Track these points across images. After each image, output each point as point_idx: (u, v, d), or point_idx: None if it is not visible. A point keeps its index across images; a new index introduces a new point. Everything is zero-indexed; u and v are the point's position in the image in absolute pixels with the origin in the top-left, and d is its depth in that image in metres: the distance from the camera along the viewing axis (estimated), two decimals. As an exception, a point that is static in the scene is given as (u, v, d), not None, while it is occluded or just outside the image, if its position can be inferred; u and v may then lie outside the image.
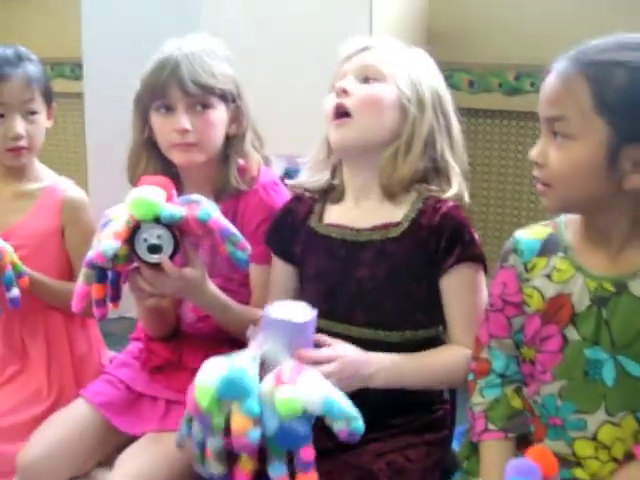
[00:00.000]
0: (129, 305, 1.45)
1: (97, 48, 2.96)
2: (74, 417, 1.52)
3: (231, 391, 1.11)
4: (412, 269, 1.18)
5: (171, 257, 1.30)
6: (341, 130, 1.35)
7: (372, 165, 1.37)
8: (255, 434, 1.09)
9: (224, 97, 1.53)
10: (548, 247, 1.21)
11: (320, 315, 1.23)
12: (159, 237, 1.29)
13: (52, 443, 1.47)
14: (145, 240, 1.29)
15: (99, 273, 1.31)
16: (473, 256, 1.33)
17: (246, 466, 1.10)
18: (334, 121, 1.36)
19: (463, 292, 1.34)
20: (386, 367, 1.28)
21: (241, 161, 1.58)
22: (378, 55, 1.37)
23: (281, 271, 1.48)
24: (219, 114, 1.53)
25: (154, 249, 1.29)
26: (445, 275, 1.33)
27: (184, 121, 1.49)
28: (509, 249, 1.25)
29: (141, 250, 1.29)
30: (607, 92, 1.06)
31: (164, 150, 1.55)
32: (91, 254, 1.28)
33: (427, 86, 1.38)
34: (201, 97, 1.50)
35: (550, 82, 1.12)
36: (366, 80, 1.36)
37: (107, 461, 1.51)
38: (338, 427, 1.10)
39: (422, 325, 1.35)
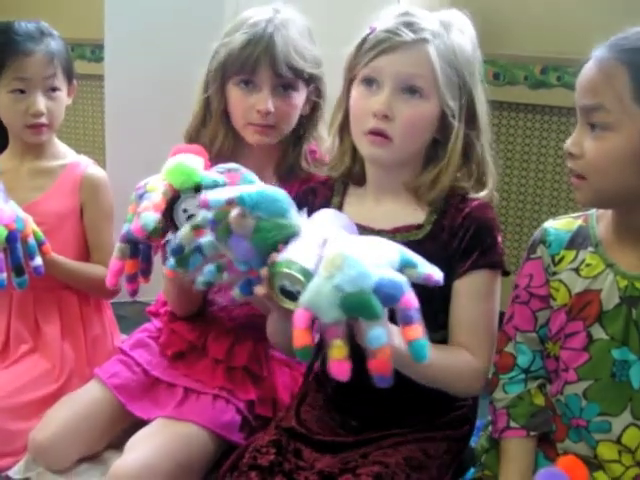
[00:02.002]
0: (143, 289, 1.43)
1: (120, 30, 2.94)
2: (88, 397, 1.51)
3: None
4: None
5: None
6: (377, 150, 1.25)
7: (400, 169, 1.29)
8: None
9: (309, 80, 1.50)
10: (577, 240, 1.18)
11: None
12: (199, 207, 1.22)
13: (65, 422, 1.46)
14: (185, 211, 1.22)
15: (132, 248, 1.26)
16: (490, 263, 1.25)
17: (340, 353, 0.94)
18: (370, 136, 1.24)
19: (473, 299, 1.24)
20: None
21: (313, 145, 1.54)
22: (426, 59, 1.22)
23: None
24: (301, 97, 1.51)
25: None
26: (459, 278, 1.24)
27: (269, 103, 1.45)
28: (537, 240, 1.22)
29: (180, 221, 1.22)
30: None
31: (239, 126, 1.51)
32: (129, 227, 1.22)
33: (471, 83, 1.27)
34: (289, 79, 1.47)
35: (587, 70, 1.09)
36: (407, 90, 1.22)
37: (118, 443, 1.50)
38: (423, 272, 1.00)
39: (442, 326, 1.27)
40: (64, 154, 1.75)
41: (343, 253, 0.97)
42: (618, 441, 1.14)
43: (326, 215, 1.14)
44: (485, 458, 1.27)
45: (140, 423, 1.46)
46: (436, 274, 1.02)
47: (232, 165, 1.26)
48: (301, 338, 0.94)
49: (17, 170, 1.70)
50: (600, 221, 1.18)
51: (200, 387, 1.50)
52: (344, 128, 1.33)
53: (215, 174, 1.23)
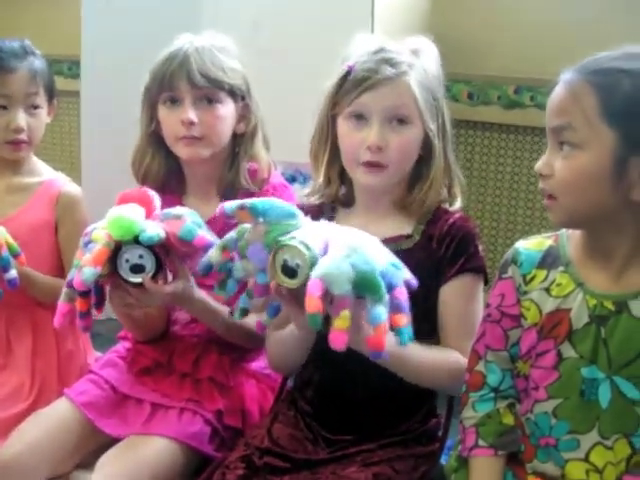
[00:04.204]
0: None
1: (96, 46, 2.95)
2: (56, 416, 1.49)
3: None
4: (423, 280, 1.15)
5: (155, 274, 1.30)
6: (374, 178, 1.33)
7: (391, 189, 1.37)
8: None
9: (232, 93, 1.53)
10: (548, 260, 1.19)
11: None
12: (141, 257, 1.29)
13: (32, 442, 1.44)
14: (127, 260, 1.29)
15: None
16: (475, 268, 1.34)
17: (344, 324, 1.03)
18: (365, 167, 1.32)
19: (460, 301, 1.34)
20: None
21: (253, 163, 1.56)
22: (407, 90, 1.31)
23: None
24: (226, 109, 1.52)
25: (137, 269, 1.29)
26: (446, 283, 1.33)
27: (191, 113, 1.48)
28: (508, 260, 1.23)
29: (123, 270, 1.30)
30: (613, 99, 1.05)
31: (170, 144, 1.54)
32: (73, 279, 1.28)
33: (442, 103, 1.36)
34: (209, 90, 1.50)
35: (557, 92, 1.11)
36: (394, 120, 1.31)
37: (86, 463, 1.48)
38: (404, 275, 1.11)
39: (426, 334, 1.32)
40: (41, 171, 1.76)
41: (357, 239, 1.09)
42: (586, 459, 1.14)
43: (330, 223, 1.21)
44: (454, 477, 1.27)
45: (109, 444, 1.45)
46: (413, 280, 1.13)
47: (175, 211, 1.34)
48: (314, 305, 1.02)
49: None
50: (570, 240, 1.19)
51: (167, 401, 1.50)
52: (330, 158, 1.39)
53: (155, 226, 1.29)
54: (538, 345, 1.18)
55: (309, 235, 1.10)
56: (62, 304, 1.32)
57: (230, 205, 1.17)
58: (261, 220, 1.15)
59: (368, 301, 1.05)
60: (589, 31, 2.42)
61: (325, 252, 1.08)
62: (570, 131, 1.08)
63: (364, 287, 1.04)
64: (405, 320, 1.06)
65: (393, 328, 1.05)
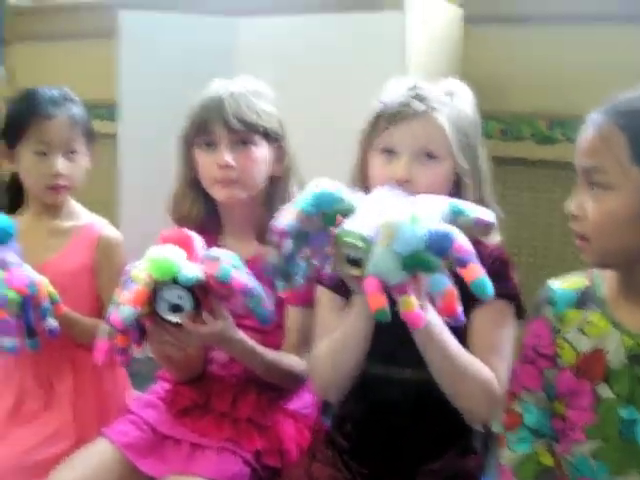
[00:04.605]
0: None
1: (133, 90, 3.00)
2: (96, 456, 1.51)
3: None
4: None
5: (194, 315, 1.33)
6: None
7: None
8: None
9: (267, 136, 1.56)
10: (583, 299, 1.19)
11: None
12: (180, 297, 1.32)
13: (74, 481, 1.45)
14: (166, 301, 1.32)
15: None
16: (507, 294, 1.31)
17: (411, 305, 1.05)
18: None
19: (490, 326, 1.31)
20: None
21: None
22: (437, 126, 1.31)
23: (334, 303, 1.40)
24: (262, 152, 1.55)
25: (175, 309, 1.32)
26: (477, 308, 1.29)
27: (227, 156, 1.52)
28: (543, 300, 1.23)
29: (162, 310, 1.32)
30: None
31: (207, 187, 1.57)
32: (112, 317, 1.31)
33: (477, 144, 1.36)
34: (244, 134, 1.53)
35: (585, 133, 1.12)
36: (424, 155, 1.31)
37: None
38: (473, 217, 1.12)
39: None
40: (79, 214, 1.79)
41: (392, 222, 1.08)
42: (627, 501, 1.14)
43: (381, 190, 1.24)
44: (494, 518, 1.27)
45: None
46: (485, 215, 1.13)
47: (214, 253, 1.37)
48: (376, 301, 1.05)
49: (34, 230, 1.73)
50: (604, 280, 1.19)
51: (206, 441, 1.51)
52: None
53: (193, 267, 1.32)
54: (574, 385, 1.17)
55: (360, 221, 1.12)
56: (102, 341, 1.35)
57: (288, 223, 1.18)
58: (315, 215, 1.17)
59: (423, 276, 1.07)
60: (622, 66, 2.42)
61: None
62: (600, 173, 1.08)
63: (414, 267, 1.06)
64: (476, 271, 1.04)
65: (471, 282, 1.04)
